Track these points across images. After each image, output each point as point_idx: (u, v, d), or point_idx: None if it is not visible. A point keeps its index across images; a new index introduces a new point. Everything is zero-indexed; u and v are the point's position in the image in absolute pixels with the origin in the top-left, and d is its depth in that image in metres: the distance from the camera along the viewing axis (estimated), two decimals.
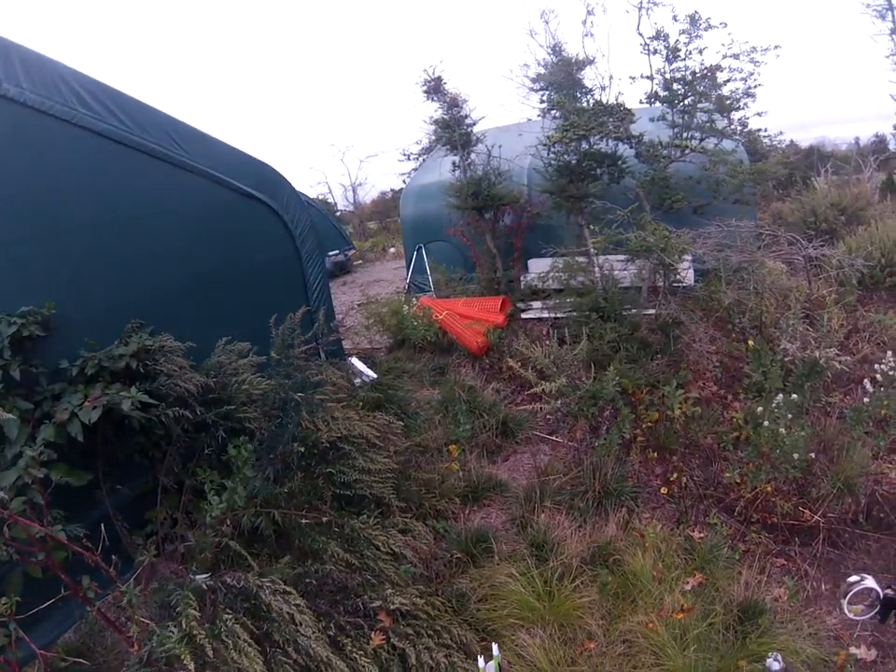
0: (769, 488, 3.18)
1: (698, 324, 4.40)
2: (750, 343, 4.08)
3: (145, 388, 2.55)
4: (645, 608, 2.65)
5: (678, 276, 4.63)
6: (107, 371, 2.64)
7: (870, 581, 0.76)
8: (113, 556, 2.12)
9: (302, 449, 2.75)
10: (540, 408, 3.31)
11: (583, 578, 2.83)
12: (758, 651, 2.38)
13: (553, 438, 4.08)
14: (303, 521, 2.54)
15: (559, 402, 3.22)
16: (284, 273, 4.28)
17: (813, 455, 3.14)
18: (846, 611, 0.80)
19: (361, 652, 2.00)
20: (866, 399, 3.37)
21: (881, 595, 0.75)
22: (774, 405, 3.37)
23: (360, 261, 13.58)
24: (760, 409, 3.41)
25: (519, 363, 3.40)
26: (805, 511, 3.09)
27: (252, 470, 2.56)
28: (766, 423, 3.29)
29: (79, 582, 2.02)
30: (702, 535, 3.16)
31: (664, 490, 3.59)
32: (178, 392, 2.69)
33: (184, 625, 1.87)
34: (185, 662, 1.76)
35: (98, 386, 2.49)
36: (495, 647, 0.90)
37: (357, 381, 4.00)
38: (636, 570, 2.82)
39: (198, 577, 2.18)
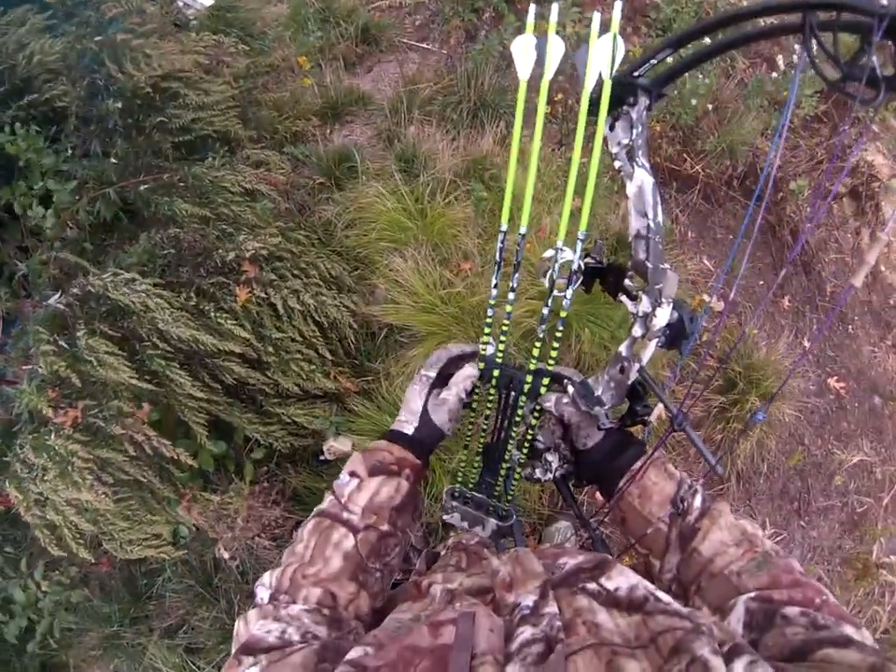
0: (658, 127, 3.09)
1: None
2: None
3: None
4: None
5: None
6: None
7: (568, 254, 0.73)
8: None
9: (119, 105, 2.12)
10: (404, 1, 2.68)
11: (457, 193, 2.56)
12: None
13: (424, 45, 3.42)
14: (142, 187, 2.04)
15: None
16: None
17: (709, 106, 3.02)
18: (542, 282, 0.75)
19: (227, 315, 1.79)
20: (774, 74, 3.13)
21: (581, 267, 0.74)
22: None
23: None
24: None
25: None
26: (688, 159, 3.09)
27: (53, 155, 2.05)
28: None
29: None
30: (583, 159, 3.08)
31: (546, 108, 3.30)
32: None
33: (44, 365, 1.57)
34: (44, 412, 1.52)
35: None
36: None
37: (189, 9, 3.11)
38: None
39: (49, 300, 1.92)
